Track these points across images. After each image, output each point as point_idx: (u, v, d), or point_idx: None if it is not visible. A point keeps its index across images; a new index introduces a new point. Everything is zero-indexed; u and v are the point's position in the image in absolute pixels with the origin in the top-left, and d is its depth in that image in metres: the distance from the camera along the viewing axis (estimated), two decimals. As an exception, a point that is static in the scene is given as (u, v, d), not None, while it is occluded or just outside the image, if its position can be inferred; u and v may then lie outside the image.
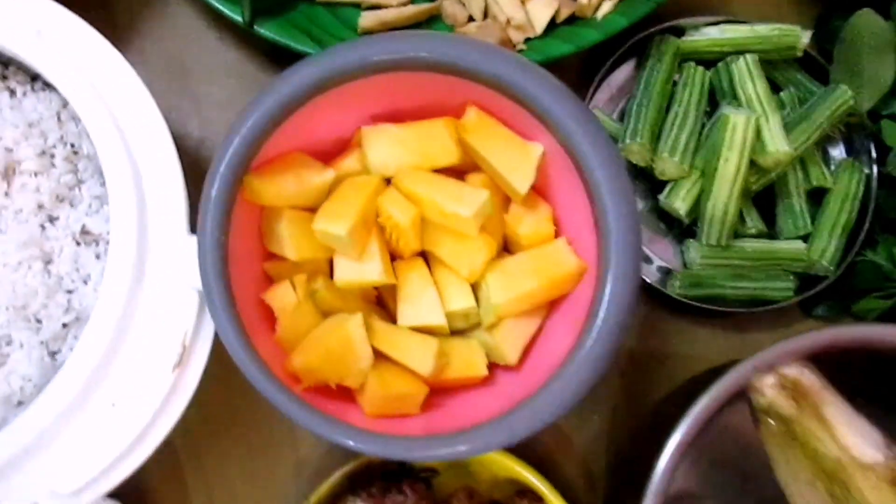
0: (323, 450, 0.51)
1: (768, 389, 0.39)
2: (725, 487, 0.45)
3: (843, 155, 0.56)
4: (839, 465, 0.38)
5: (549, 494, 0.48)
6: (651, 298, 0.56)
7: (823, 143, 0.56)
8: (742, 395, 0.42)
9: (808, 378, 0.39)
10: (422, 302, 0.47)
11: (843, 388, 0.40)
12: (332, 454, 0.51)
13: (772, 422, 0.40)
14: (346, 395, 0.45)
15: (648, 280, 0.54)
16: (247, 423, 0.52)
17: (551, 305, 0.48)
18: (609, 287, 0.42)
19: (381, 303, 0.49)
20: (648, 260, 0.55)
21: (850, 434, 0.39)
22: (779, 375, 0.39)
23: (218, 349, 0.42)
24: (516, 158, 0.46)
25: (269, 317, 0.46)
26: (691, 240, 0.54)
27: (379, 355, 0.46)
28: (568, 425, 0.55)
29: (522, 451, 0.49)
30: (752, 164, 0.52)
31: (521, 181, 0.46)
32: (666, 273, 0.55)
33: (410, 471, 0.49)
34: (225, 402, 0.51)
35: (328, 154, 0.48)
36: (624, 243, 0.42)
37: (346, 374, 0.44)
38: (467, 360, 0.46)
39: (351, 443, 0.41)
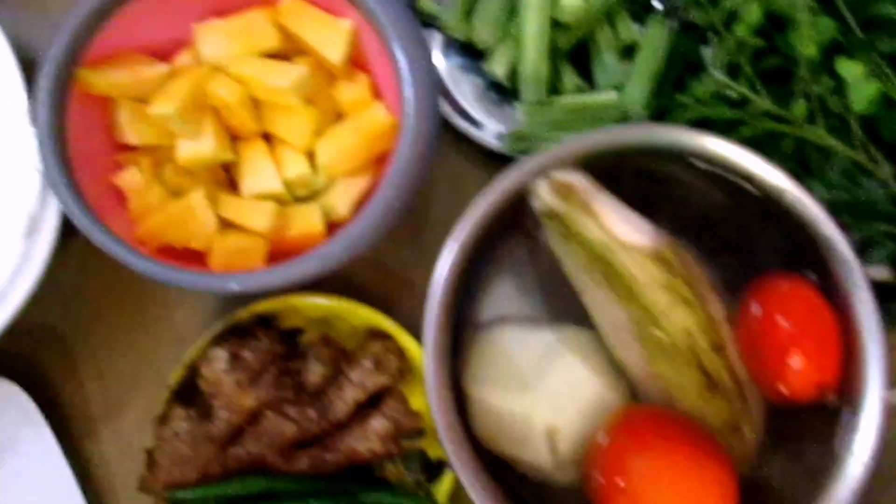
0: (198, 323, 0.57)
1: (543, 192, 0.44)
2: (555, 308, 0.50)
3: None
4: (606, 248, 0.44)
5: (397, 331, 0.53)
6: (492, 163, 0.61)
7: (640, 5, 0.61)
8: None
9: (577, 179, 0.45)
10: (260, 172, 0.52)
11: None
12: (206, 325, 0.56)
13: (551, 222, 0.45)
14: (196, 258, 0.51)
15: (489, 146, 0.59)
16: (128, 309, 0.57)
17: (379, 165, 0.53)
18: (405, 136, 0.47)
19: (233, 184, 0.55)
20: (489, 128, 0.60)
21: (616, 221, 0.44)
22: (551, 180, 0.45)
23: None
24: (328, 34, 0.52)
25: (125, 199, 0.52)
26: (517, 101, 0.59)
27: (226, 223, 0.51)
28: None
29: (384, 308, 0.54)
30: (558, 24, 0.57)
31: (334, 53, 0.51)
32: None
33: (276, 329, 0.55)
34: (106, 294, 0.57)
35: (170, 55, 0.54)
36: (417, 99, 0.48)
37: (191, 238, 0.50)
38: (306, 219, 0.52)
39: (194, 282, 0.47)
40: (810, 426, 0.44)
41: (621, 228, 0.44)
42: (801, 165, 0.54)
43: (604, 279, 0.44)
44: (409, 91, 0.48)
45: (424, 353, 0.42)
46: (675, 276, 0.44)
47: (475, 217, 0.44)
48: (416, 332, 0.54)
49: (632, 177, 0.49)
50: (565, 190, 0.45)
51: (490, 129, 0.60)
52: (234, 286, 0.46)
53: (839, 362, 0.43)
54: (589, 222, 0.44)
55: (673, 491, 0.41)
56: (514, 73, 0.59)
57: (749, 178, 0.45)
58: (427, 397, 0.42)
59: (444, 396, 0.42)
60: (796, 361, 0.44)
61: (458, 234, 0.44)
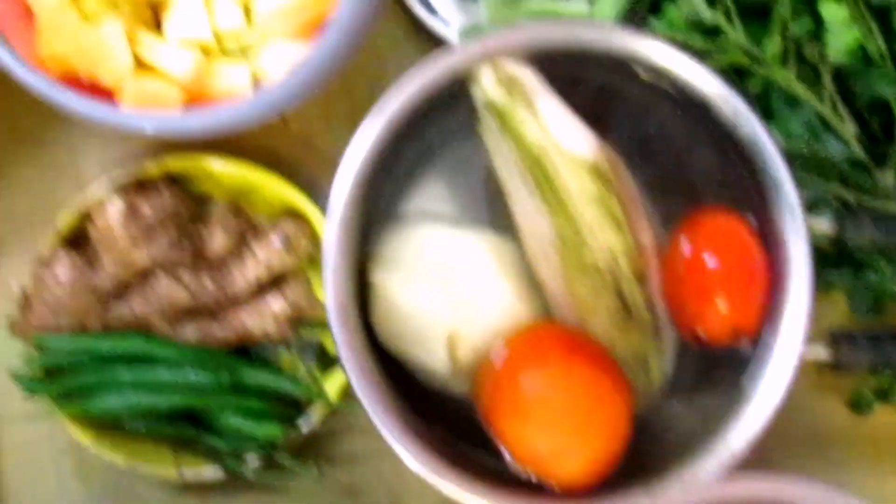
0: (103, 172, 0.52)
1: (486, 80, 0.41)
2: (481, 213, 0.46)
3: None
4: (544, 151, 0.40)
5: (315, 214, 0.50)
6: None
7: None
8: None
9: (525, 73, 0.41)
10: (190, 16, 0.48)
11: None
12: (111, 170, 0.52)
13: (490, 115, 0.42)
14: (105, 97, 0.47)
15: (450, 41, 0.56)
16: (27, 145, 0.53)
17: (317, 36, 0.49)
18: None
19: (160, 27, 0.50)
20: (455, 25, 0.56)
21: (558, 124, 0.41)
22: (497, 69, 0.41)
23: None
24: None
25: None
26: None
27: (144, 65, 0.47)
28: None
29: (307, 189, 0.51)
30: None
31: None
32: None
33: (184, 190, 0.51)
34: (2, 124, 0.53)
35: None
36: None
37: (100, 70, 0.46)
38: (231, 76, 0.48)
39: (103, 116, 0.43)
40: (717, 371, 0.43)
41: (563, 133, 0.41)
42: (764, 110, 0.52)
43: (535, 185, 0.41)
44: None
45: (327, 224, 0.39)
46: (609, 192, 0.41)
47: (407, 91, 0.40)
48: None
49: (585, 90, 0.45)
50: (510, 82, 0.41)
51: (456, 25, 0.56)
52: (147, 127, 0.42)
53: (762, 310, 0.41)
54: (529, 120, 0.41)
55: (563, 412, 0.38)
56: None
57: (706, 104, 0.42)
58: (322, 270, 0.39)
59: (341, 271, 0.39)
60: (720, 305, 0.41)
61: (384, 105, 0.40)
